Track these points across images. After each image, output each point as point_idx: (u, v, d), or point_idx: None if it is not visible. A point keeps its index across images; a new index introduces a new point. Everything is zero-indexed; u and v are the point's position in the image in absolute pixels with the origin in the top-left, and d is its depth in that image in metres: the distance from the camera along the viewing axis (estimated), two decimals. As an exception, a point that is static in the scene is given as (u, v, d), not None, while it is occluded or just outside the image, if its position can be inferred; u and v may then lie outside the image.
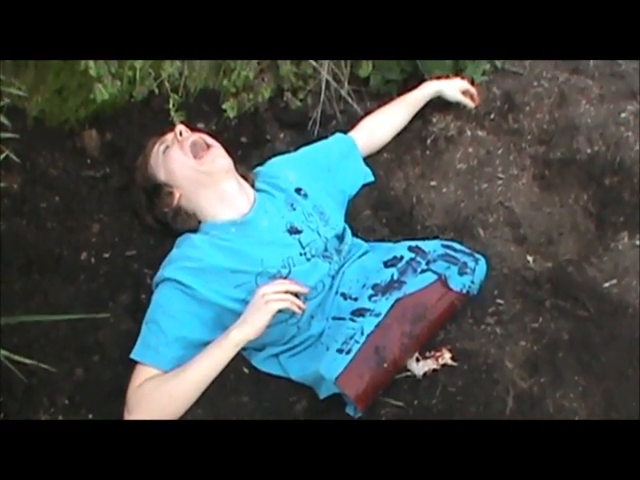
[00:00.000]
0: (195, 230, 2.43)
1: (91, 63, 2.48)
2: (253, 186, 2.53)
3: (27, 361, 1.93)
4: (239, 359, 2.27)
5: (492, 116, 2.91)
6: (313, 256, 2.39)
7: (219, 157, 2.43)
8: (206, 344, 2.20)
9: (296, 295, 2.24)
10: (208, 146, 2.44)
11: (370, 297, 2.25)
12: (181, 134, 2.44)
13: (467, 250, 2.35)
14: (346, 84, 3.07)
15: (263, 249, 2.34)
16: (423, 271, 2.26)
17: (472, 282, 2.27)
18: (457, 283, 2.24)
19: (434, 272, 2.25)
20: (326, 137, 2.85)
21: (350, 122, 2.96)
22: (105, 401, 2.24)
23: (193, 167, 2.40)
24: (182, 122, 2.58)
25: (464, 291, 2.25)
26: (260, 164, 2.70)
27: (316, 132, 3.01)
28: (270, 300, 2.17)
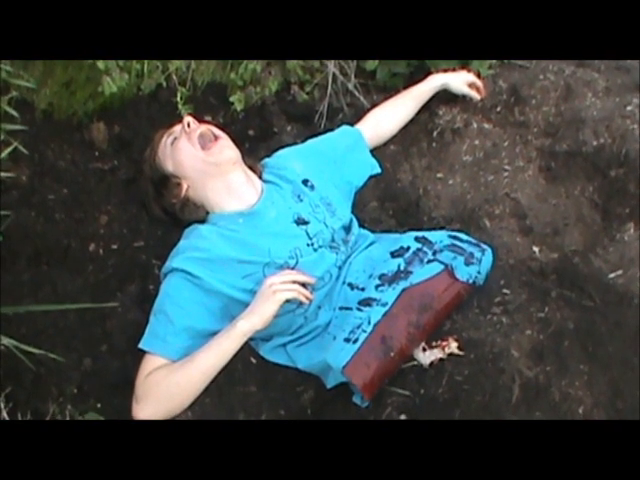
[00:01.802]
0: (203, 221, 2.44)
1: (99, 57, 2.49)
2: (261, 177, 2.54)
3: (35, 351, 1.95)
4: (247, 349, 2.28)
5: (498, 109, 2.91)
6: (320, 247, 2.40)
7: (227, 148, 2.44)
8: (214, 334, 2.21)
9: (303, 285, 2.25)
10: (216, 137, 2.45)
11: (377, 287, 2.26)
12: (189, 125, 2.44)
13: (473, 240, 2.37)
14: (353, 77, 3.08)
15: (270, 240, 2.35)
16: (430, 261, 2.28)
17: (478, 272, 2.28)
18: (463, 273, 2.25)
19: (441, 262, 2.27)
20: (333, 130, 2.85)
21: (357, 115, 2.97)
22: (113, 390, 2.27)
23: (201, 158, 2.40)
24: (190, 114, 2.59)
25: (470, 281, 2.26)
26: (267, 156, 2.71)
27: (323, 125, 3.02)
28: (278, 290, 2.19)
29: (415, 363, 2.16)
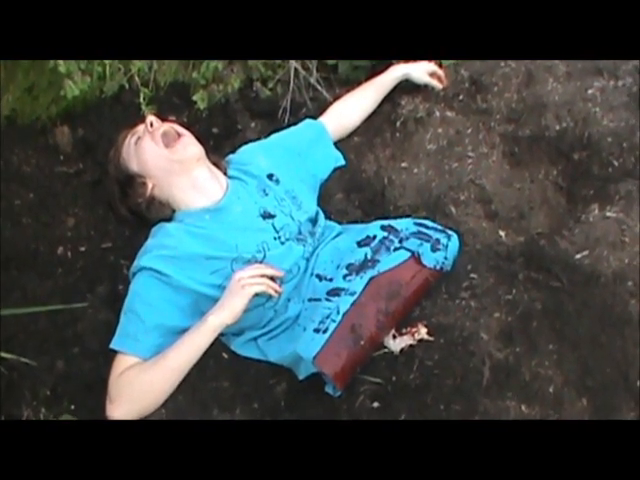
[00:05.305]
0: (169, 219, 2.44)
1: (60, 60, 2.49)
2: (225, 174, 2.54)
3: (8, 356, 1.95)
4: (218, 345, 2.29)
5: (461, 97, 2.91)
6: (287, 240, 2.40)
7: (190, 145, 2.44)
8: (184, 331, 2.21)
9: (272, 279, 2.25)
10: (179, 135, 2.44)
11: (345, 277, 2.26)
12: (152, 125, 2.44)
13: (439, 227, 2.37)
14: (315, 72, 3.08)
15: (237, 235, 2.35)
16: (396, 249, 2.28)
17: (445, 258, 2.29)
18: (430, 259, 2.27)
19: (407, 250, 2.27)
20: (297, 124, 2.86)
21: (320, 109, 2.97)
22: (86, 392, 2.27)
23: (165, 156, 2.40)
24: (153, 113, 2.59)
25: (438, 267, 2.27)
26: (232, 153, 2.71)
27: (287, 120, 3.02)
28: (246, 284, 2.19)
29: (386, 350, 2.17)
